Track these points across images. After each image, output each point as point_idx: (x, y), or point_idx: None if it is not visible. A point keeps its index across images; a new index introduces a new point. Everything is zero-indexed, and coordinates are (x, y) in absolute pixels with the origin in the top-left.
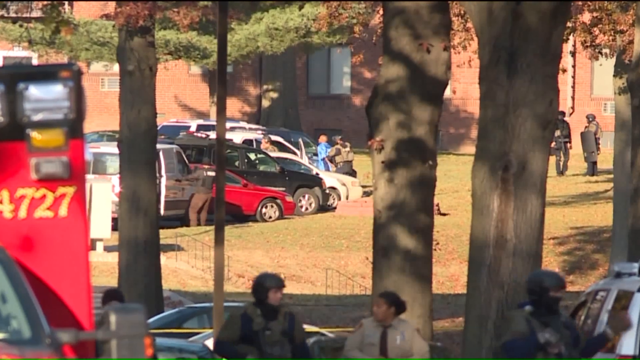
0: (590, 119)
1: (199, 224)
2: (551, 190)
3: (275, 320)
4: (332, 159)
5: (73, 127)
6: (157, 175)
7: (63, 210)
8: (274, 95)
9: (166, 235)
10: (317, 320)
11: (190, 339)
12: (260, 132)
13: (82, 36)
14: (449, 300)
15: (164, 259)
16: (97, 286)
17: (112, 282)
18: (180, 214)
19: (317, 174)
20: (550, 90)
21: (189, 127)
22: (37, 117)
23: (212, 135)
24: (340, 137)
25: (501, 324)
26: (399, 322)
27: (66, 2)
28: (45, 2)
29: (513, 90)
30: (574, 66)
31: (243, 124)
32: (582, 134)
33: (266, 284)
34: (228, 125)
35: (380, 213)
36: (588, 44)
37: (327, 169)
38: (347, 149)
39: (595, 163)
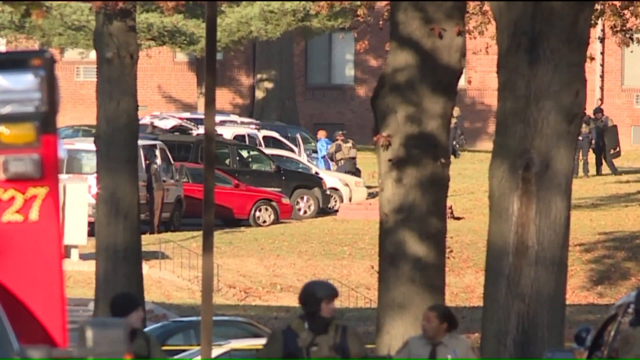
0: (601, 112)
1: (152, 232)
2: (577, 191)
3: (325, 335)
4: (332, 156)
5: (45, 121)
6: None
7: (34, 214)
8: (269, 85)
9: (149, 242)
10: None
11: (176, 357)
12: (253, 126)
13: (55, 20)
14: (463, 313)
15: (146, 268)
16: (71, 298)
17: (89, 293)
18: (165, 218)
19: (316, 173)
20: (576, 80)
21: None
22: (5, 110)
23: (200, 129)
24: (341, 132)
25: (620, 343)
26: (450, 339)
27: None
28: None
29: (535, 79)
30: (602, 53)
31: (234, 117)
32: (604, 129)
33: (318, 294)
34: (218, 119)
35: (387, 217)
36: (618, 28)
37: (328, 168)
38: (349, 144)
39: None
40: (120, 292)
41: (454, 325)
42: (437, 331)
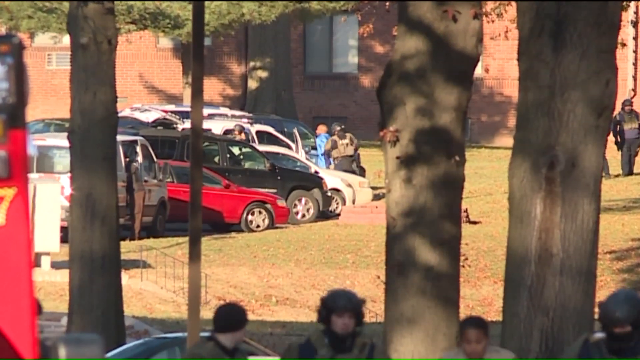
0: (630, 105)
1: (132, 238)
2: (607, 192)
3: (348, 353)
4: (329, 154)
5: (13, 114)
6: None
7: (0, 218)
8: (263, 74)
9: (129, 249)
10: None
11: None
12: (245, 120)
13: (24, 1)
14: None
15: (126, 278)
16: (43, 311)
17: (62, 306)
18: (147, 222)
19: (316, 172)
20: (606, 68)
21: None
22: None
23: (186, 123)
24: (339, 125)
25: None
26: (491, 352)
27: None
28: None
29: (560, 68)
30: (635, 39)
31: (224, 110)
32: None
33: (329, 304)
34: (206, 112)
35: (395, 221)
36: None
37: (329, 166)
38: (346, 140)
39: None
40: (230, 304)
41: None
42: (486, 348)
